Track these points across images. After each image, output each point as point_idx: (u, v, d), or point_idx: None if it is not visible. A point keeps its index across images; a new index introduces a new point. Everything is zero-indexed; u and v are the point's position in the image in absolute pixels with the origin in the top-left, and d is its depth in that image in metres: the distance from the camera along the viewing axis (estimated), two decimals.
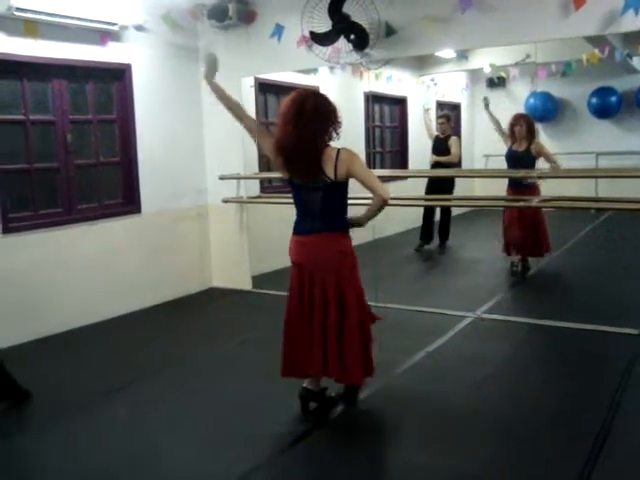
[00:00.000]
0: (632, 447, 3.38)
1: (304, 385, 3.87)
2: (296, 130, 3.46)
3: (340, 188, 3.59)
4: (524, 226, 7.08)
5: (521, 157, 7.08)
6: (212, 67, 3.91)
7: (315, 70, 8.30)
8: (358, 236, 5.18)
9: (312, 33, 5.63)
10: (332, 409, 3.89)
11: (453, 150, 8.76)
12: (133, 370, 4.76)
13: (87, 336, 5.62)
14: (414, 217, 9.96)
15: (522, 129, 7.13)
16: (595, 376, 4.32)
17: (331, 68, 8.21)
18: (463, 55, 10.12)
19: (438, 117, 9.20)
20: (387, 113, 10.85)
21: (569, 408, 3.86)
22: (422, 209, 9.00)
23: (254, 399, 4.12)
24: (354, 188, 3.69)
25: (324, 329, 3.64)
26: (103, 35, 5.91)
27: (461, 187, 9.25)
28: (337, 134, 3.60)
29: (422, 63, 10.94)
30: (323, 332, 3.65)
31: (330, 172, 3.50)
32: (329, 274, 3.61)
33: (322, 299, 3.63)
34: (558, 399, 4.00)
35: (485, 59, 9.90)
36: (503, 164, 7.41)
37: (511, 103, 11.88)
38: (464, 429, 3.64)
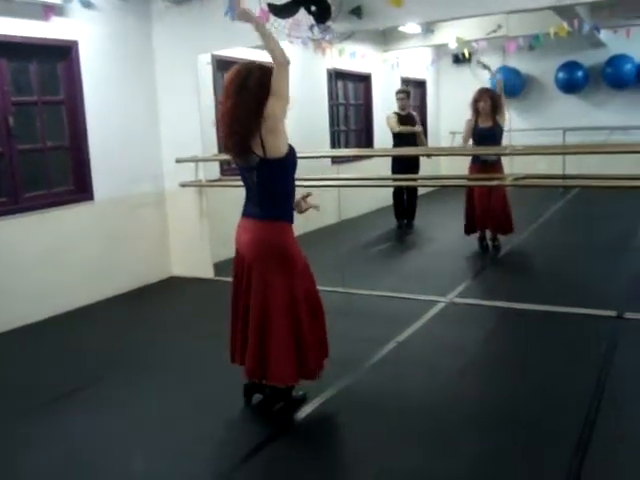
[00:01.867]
0: (621, 435, 3.22)
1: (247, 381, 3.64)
2: (235, 106, 3.20)
3: (275, 167, 3.27)
4: (495, 203, 6.91)
5: (488, 134, 6.89)
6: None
7: None
8: (323, 218, 4.81)
9: (270, 5, 5.30)
10: (296, 409, 3.61)
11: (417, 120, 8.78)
12: (88, 370, 4.45)
13: (39, 333, 5.28)
14: (380, 197, 9.76)
15: (486, 105, 6.97)
16: (576, 362, 4.12)
17: (292, 43, 7.87)
18: (429, 29, 9.85)
19: (398, 92, 8.89)
20: (351, 90, 10.54)
21: (551, 398, 3.66)
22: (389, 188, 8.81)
23: (214, 398, 3.84)
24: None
25: (246, 321, 3.41)
26: (46, 9, 5.50)
27: (427, 165, 9.02)
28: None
29: (386, 38, 10.64)
30: (245, 324, 3.42)
31: (258, 150, 3.22)
32: (257, 269, 3.36)
33: (248, 291, 3.40)
34: (539, 389, 3.79)
35: (452, 32, 9.62)
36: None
37: (476, 78, 11.66)
38: (444, 427, 3.40)
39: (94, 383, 4.20)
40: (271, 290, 3.34)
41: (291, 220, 3.43)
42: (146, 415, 3.74)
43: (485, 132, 6.94)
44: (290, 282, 3.36)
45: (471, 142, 7.10)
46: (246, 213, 3.45)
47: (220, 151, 7.15)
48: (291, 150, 3.33)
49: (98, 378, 4.28)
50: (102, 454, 3.33)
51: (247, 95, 3.18)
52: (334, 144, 9.61)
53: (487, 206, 6.95)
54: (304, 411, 3.60)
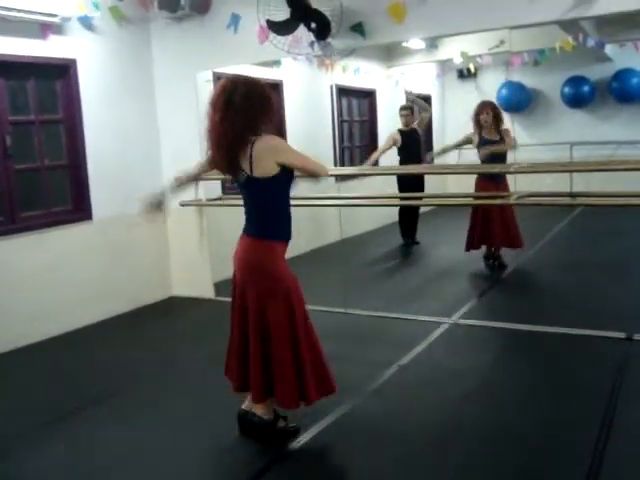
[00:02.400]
0: (632, 460, 3.10)
1: (242, 406, 3.53)
2: (223, 120, 3.15)
3: (263, 185, 3.20)
4: (504, 217, 6.79)
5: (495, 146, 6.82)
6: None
7: (278, 62, 7.89)
8: (324, 237, 4.67)
9: (269, 22, 5.23)
10: (284, 441, 3.47)
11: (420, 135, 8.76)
12: (82, 394, 4.34)
13: (36, 355, 5.19)
14: (384, 214, 9.64)
15: (488, 117, 6.91)
16: (584, 386, 4.00)
17: (295, 60, 7.80)
18: (433, 45, 9.77)
19: (401, 109, 8.81)
20: (355, 107, 10.47)
21: (559, 423, 3.54)
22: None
23: (211, 423, 3.74)
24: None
25: (246, 342, 3.35)
26: (44, 28, 5.45)
27: (433, 181, 8.92)
28: (271, 122, 3.29)
29: (390, 54, 10.57)
30: (245, 345, 3.36)
31: (246, 166, 3.17)
32: (250, 288, 3.30)
33: (244, 311, 3.34)
34: (546, 414, 3.66)
35: (456, 48, 9.55)
36: (476, 157, 7.08)
37: (481, 94, 11.58)
38: (449, 455, 3.27)
39: (89, 406, 4.10)
40: (250, 310, 3.29)
41: (283, 238, 3.31)
42: (144, 439, 3.65)
43: (491, 144, 6.86)
44: (268, 302, 3.26)
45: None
46: (244, 230, 3.39)
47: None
48: (285, 168, 3.23)
49: (93, 402, 4.17)
50: None
51: (233, 110, 3.14)
52: (339, 161, 9.52)
53: (498, 221, 6.83)
54: (301, 439, 3.47)
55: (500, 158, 6.74)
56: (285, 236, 3.32)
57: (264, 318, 3.26)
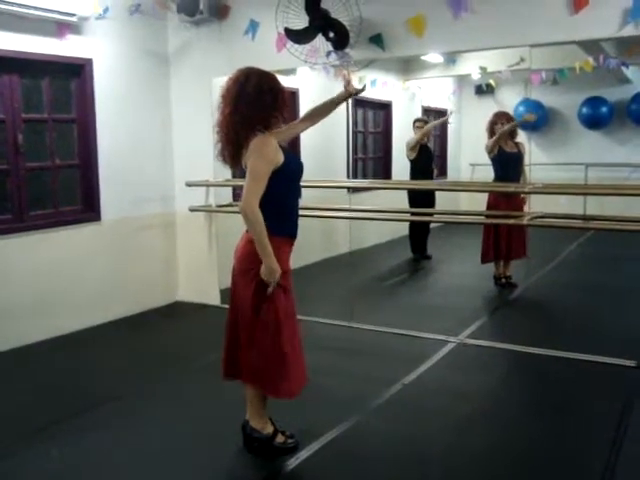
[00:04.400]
0: None
1: (246, 417, 3.47)
2: (234, 114, 3.13)
3: None
4: (510, 229, 6.72)
5: (513, 158, 6.84)
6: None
7: (293, 71, 7.85)
8: (333, 248, 4.57)
9: (287, 30, 5.18)
10: (284, 456, 3.40)
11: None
12: (80, 396, 4.29)
13: (34, 356, 5.14)
14: (395, 227, 9.57)
15: (504, 127, 6.81)
16: (591, 414, 3.91)
17: (312, 69, 7.76)
18: (451, 59, 9.71)
19: (416, 121, 8.77)
20: (371, 118, 10.42)
21: (564, 451, 3.45)
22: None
23: (209, 437, 3.66)
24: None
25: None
26: (61, 27, 5.43)
27: (445, 197, 8.84)
28: (283, 117, 3.29)
29: (408, 67, 10.51)
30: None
31: (243, 162, 3.19)
32: (235, 280, 3.34)
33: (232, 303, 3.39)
34: (551, 442, 3.56)
35: (474, 64, 9.48)
36: (490, 173, 7.00)
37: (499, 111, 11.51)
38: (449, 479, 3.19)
39: (87, 409, 4.05)
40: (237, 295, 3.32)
41: (279, 233, 3.17)
42: (139, 447, 3.58)
43: (511, 156, 6.84)
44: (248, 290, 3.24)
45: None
46: None
47: (235, 176, 7.05)
48: (287, 162, 3.17)
49: (91, 405, 4.12)
50: None
51: (244, 102, 3.11)
52: (351, 172, 9.45)
53: (506, 233, 6.75)
54: (300, 456, 3.40)
55: (515, 165, 6.71)
56: (279, 231, 3.18)
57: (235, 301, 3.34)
